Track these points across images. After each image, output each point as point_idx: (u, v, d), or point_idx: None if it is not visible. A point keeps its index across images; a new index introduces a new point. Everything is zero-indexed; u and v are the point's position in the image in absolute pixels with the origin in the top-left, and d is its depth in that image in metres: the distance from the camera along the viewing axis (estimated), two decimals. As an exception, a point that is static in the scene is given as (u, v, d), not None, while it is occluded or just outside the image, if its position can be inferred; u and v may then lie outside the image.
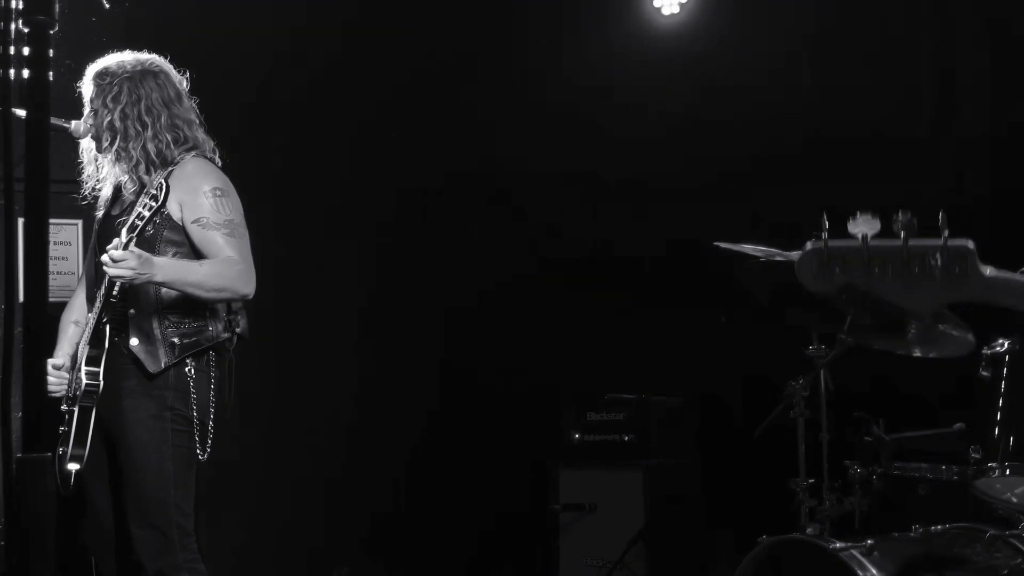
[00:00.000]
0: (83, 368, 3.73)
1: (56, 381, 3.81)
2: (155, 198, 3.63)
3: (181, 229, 3.77)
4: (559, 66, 5.79)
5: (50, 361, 3.84)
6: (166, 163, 3.80)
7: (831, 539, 3.60)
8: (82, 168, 3.92)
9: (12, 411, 1.79)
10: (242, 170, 3.93)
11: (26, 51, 1.91)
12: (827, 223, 1.92)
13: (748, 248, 3.73)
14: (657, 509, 5.25)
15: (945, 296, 1.89)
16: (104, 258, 3.63)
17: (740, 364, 5.35)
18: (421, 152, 5.70)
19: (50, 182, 1.79)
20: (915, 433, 4.01)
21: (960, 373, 3.71)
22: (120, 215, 3.81)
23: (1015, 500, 3.49)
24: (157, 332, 3.75)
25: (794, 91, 5.52)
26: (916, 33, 5.33)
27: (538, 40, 5.78)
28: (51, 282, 1.87)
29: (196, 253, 3.78)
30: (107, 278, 3.71)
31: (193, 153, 3.84)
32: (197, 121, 3.89)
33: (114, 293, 3.75)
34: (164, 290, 3.73)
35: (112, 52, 3.87)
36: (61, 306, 4.01)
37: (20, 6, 1.90)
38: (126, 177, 3.84)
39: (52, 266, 4.46)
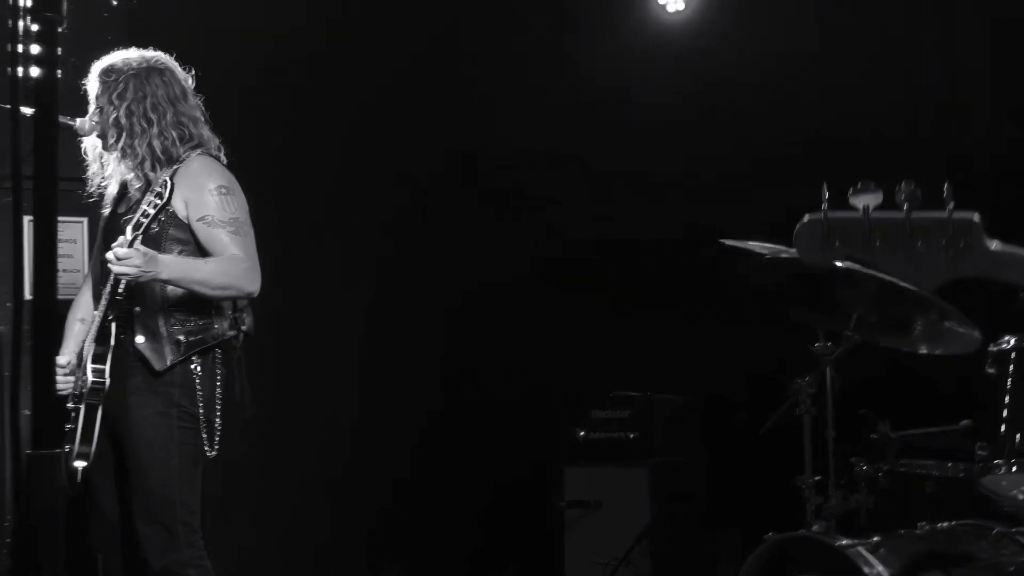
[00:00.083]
0: (89, 366, 3.74)
1: (62, 379, 3.81)
2: (160, 195, 3.64)
3: (186, 227, 3.78)
4: (563, 63, 5.77)
5: (56, 359, 3.85)
6: (171, 161, 3.81)
7: (837, 536, 3.59)
8: (87, 166, 3.92)
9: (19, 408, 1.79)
10: (243, 168, 3.93)
11: (34, 49, 1.92)
12: (827, 193, 1.87)
13: (754, 245, 3.73)
14: (662, 507, 5.25)
15: (950, 271, 1.82)
16: (109, 255, 3.64)
17: (745, 361, 5.35)
18: (421, 149, 5.69)
19: (58, 180, 1.79)
20: (921, 430, 4.00)
21: (966, 370, 3.70)
22: (126, 213, 3.82)
23: (1021, 497, 3.48)
24: (163, 330, 3.76)
25: (797, 89, 5.50)
26: (917, 32, 5.32)
27: (541, 37, 5.76)
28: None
29: (202, 251, 3.78)
30: (112, 276, 3.72)
31: (199, 151, 3.85)
32: (202, 119, 3.90)
33: (120, 291, 3.76)
34: (170, 288, 3.74)
35: (118, 50, 3.87)
36: (67, 304, 4.01)
37: (28, 4, 1.90)
38: (132, 175, 3.85)
39: (58, 264, 4.45)
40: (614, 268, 5.78)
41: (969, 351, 3.61)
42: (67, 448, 3.72)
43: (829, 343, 3.99)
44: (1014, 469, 3.44)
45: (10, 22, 1.86)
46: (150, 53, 3.87)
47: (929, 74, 5.35)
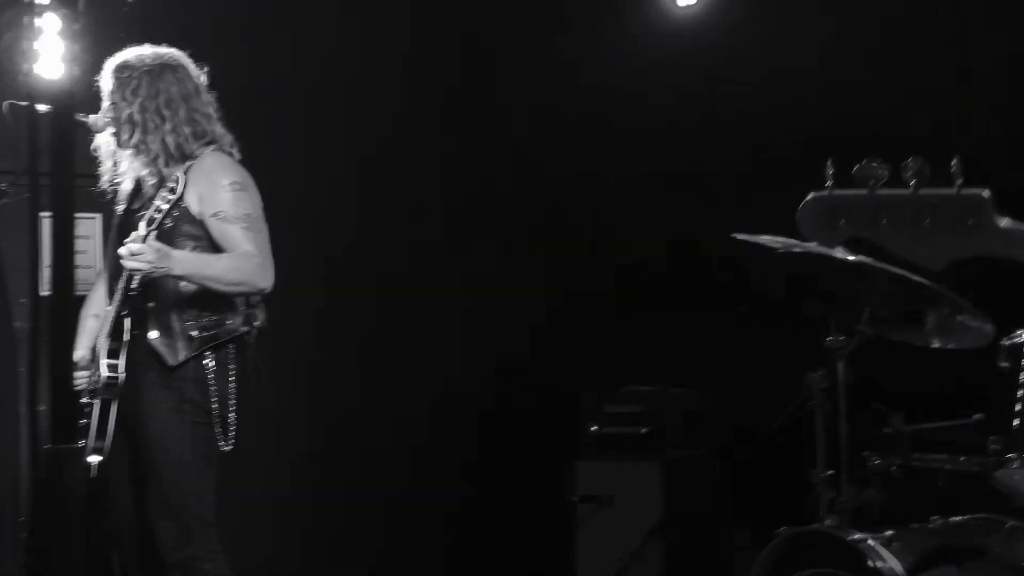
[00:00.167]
0: (103, 361, 3.76)
1: (77, 375, 3.83)
2: (173, 191, 3.67)
3: (200, 223, 3.79)
4: (570, 59, 5.76)
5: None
6: (185, 157, 3.82)
7: (850, 530, 3.60)
8: (101, 162, 3.94)
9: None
10: (257, 164, 3.94)
11: (51, 47, 1.93)
12: (832, 168, 1.81)
13: (766, 239, 3.72)
14: (674, 501, 5.25)
15: (958, 249, 1.75)
16: (122, 251, 3.66)
17: (757, 356, 5.34)
18: (432, 144, 5.69)
19: (76, 177, 1.80)
20: (934, 424, 3.99)
21: (979, 364, 3.70)
22: (140, 209, 3.83)
23: (1035, 491, 3.48)
24: (176, 325, 3.77)
25: (807, 87, 5.47)
26: (931, 33, 5.29)
27: (550, 34, 5.75)
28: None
29: (215, 247, 3.80)
30: (126, 271, 3.74)
31: (212, 147, 3.86)
32: (216, 115, 3.91)
33: (133, 286, 3.78)
34: (183, 284, 3.76)
35: (131, 47, 3.88)
36: (80, 300, 4.03)
37: (45, 1, 1.91)
38: (146, 171, 3.86)
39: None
40: (628, 263, 5.77)
41: (982, 345, 3.61)
42: (81, 443, 3.74)
43: (841, 337, 3.98)
44: (1027, 463, 3.43)
45: (27, 20, 1.87)
46: (164, 50, 3.88)
47: (937, 73, 5.32)
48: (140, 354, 3.78)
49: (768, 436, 4.28)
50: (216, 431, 3.78)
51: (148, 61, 3.85)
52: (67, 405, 1.63)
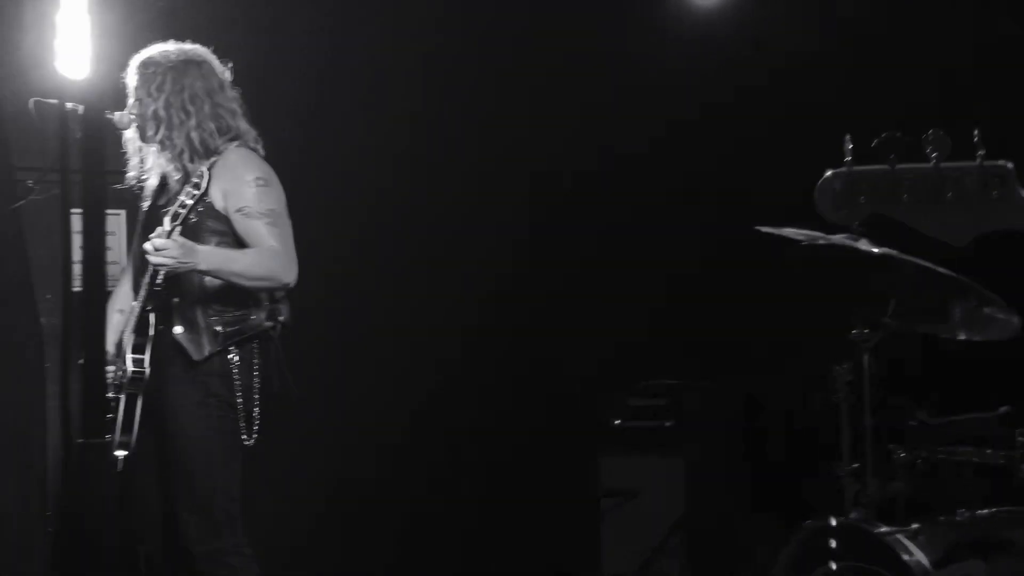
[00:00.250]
0: (129, 356, 3.79)
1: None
2: (197, 186, 3.69)
3: (224, 218, 3.82)
4: (583, 55, 5.74)
5: (97, 350, 3.89)
6: (209, 152, 3.84)
7: (876, 523, 3.59)
8: (127, 159, 3.96)
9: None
10: (279, 160, 3.96)
11: (79, 45, 1.94)
12: (850, 144, 1.78)
13: (790, 231, 3.71)
14: (699, 495, 5.25)
15: (981, 223, 1.73)
16: (147, 246, 3.69)
17: (782, 348, 5.32)
18: (443, 139, 5.68)
19: (105, 174, 1.81)
20: (960, 417, 3.98)
21: (1005, 356, 3.68)
22: (165, 205, 3.86)
23: (1062, 484, 3.47)
24: (201, 320, 3.80)
25: (825, 83, 5.44)
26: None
27: (561, 29, 5.73)
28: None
29: (239, 242, 3.82)
30: (151, 267, 3.76)
31: (236, 143, 3.88)
32: (240, 111, 3.93)
33: (158, 282, 3.80)
34: (208, 279, 3.78)
35: (155, 43, 3.90)
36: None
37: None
38: (171, 166, 3.89)
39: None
40: (647, 255, 5.76)
41: (1008, 337, 3.59)
42: (108, 438, 3.76)
43: (867, 330, 3.97)
44: (1055, 456, 3.42)
45: (56, 19, 1.88)
46: (188, 46, 3.91)
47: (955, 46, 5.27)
48: (165, 349, 3.80)
49: (792, 429, 4.27)
50: (240, 425, 3.80)
51: (173, 57, 3.87)
52: (98, 400, 1.65)
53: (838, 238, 3.40)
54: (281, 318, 3.91)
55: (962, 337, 3.76)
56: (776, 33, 5.48)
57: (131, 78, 3.88)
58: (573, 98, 5.73)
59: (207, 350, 3.79)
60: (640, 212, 5.81)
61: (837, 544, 3.63)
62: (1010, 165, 1.73)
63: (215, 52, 3.93)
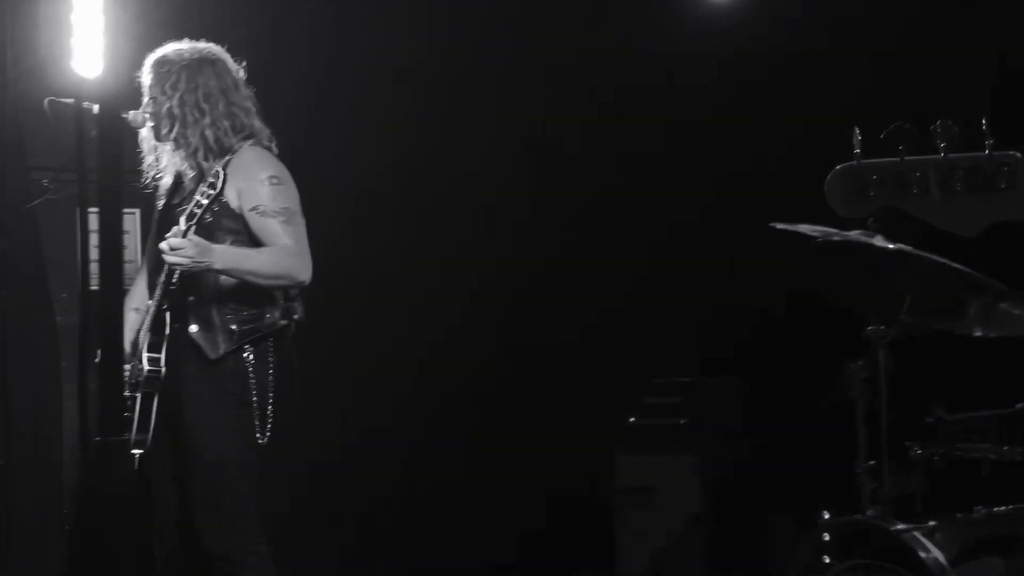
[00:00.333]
0: (144, 355, 3.80)
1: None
2: (212, 185, 3.70)
3: (239, 217, 3.82)
4: (597, 51, 5.73)
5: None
6: (224, 151, 3.85)
7: (893, 521, 3.57)
8: (142, 157, 3.97)
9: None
10: (294, 158, 3.96)
11: (94, 44, 1.94)
12: (859, 136, 1.77)
13: (805, 228, 3.70)
14: (714, 492, 5.24)
15: (992, 213, 1.73)
16: (163, 246, 3.69)
17: (797, 346, 5.31)
18: (444, 139, 5.69)
19: (121, 173, 1.81)
20: (977, 413, 3.96)
21: (1022, 352, 3.67)
22: (180, 204, 3.87)
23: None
24: (216, 319, 3.81)
25: (840, 80, 5.42)
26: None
27: (575, 25, 5.72)
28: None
29: (254, 241, 3.83)
30: (166, 266, 3.77)
31: (250, 141, 3.89)
32: (254, 109, 3.94)
33: (174, 280, 3.81)
34: (223, 277, 3.79)
35: (170, 42, 3.91)
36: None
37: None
38: (185, 165, 3.90)
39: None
40: (661, 253, 5.75)
41: (1025, 333, 3.58)
42: (124, 436, 3.77)
43: (882, 326, 3.96)
44: (1072, 452, 3.41)
45: (70, 18, 1.89)
46: (202, 45, 3.92)
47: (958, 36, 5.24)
48: (181, 348, 3.81)
49: (808, 426, 4.25)
50: (255, 423, 3.81)
51: (187, 56, 3.88)
52: (114, 398, 1.65)
53: (853, 234, 3.39)
54: (296, 316, 3.92)
55: (978, 333, 3.74)
56: (788, 29, 5.47)
57: (146, 77, 3.89)
58: (576, 98, 5.73)
59: (222, 349, 3.80)
60: (651, 213, 5.81)
61: (854, 542, 3.62)
62: (1019, 155, 1.71)
63: (228, 51, 3.93)
